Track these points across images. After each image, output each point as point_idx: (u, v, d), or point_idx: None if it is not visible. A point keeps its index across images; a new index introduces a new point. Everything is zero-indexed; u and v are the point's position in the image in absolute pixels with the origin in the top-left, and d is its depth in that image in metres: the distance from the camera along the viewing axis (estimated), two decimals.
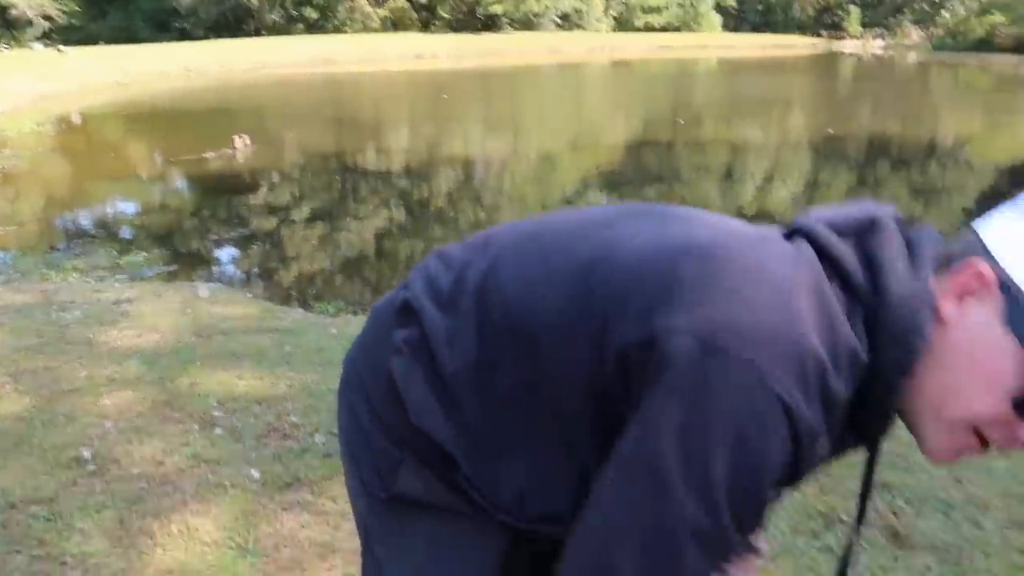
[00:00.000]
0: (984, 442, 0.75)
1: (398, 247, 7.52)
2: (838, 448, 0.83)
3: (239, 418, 3.02)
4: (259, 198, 9.26)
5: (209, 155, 10.93)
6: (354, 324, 4.36)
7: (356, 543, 2.27)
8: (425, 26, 53.52)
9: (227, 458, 2.73)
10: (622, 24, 63.96)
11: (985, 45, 46.33)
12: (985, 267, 0.73)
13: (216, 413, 3.06)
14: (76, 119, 16.70)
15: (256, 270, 6.50)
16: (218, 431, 2.92)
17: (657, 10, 64.49)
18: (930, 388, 0.75)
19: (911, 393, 0.76)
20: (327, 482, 2.59)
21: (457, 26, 53.80)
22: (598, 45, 48.75)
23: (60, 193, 9.77)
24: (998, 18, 45.83)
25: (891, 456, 2.76)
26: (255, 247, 7.10)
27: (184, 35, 43.48)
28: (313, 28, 48.23)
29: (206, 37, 42.38)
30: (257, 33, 46.68)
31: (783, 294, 0.71)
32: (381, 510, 1.01)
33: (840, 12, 66.68)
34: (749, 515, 0.73)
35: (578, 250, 0.85)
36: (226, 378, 3.41)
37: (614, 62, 37.96)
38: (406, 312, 0.96)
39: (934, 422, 0.76)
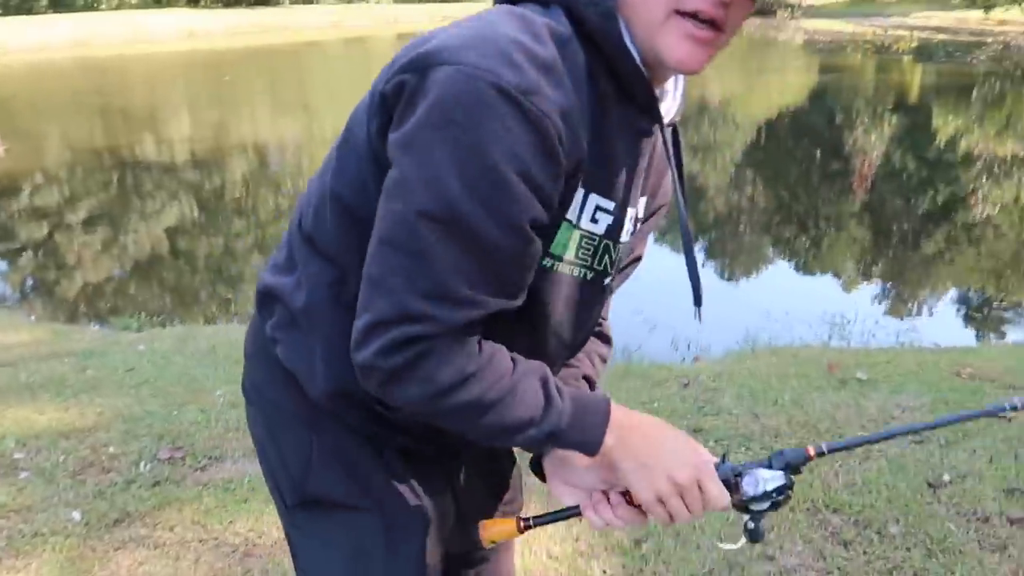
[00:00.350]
0: (703, 20, 0.81)
1: (196, 245, 7.08)
2: (636, 132, 0.91)
3: (46, 457, 2.77)
4: (25, 206, 8.30)
5: None
6: (164, 338, 4.09)
7: (204, 571, 2.20)
8: (193, 1, 49.81)
9: (39, 503, 2.50)
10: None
11: None
12: None
13: (17, 455, 2.78)
14: None
15: (37, 289, 5.86)
16: (24, 475, 2.66)
17: None
18: (635, 12, 0.83)
19: (633, 33, 0.84)
20: (160, 512, 2.45)
21: (229, 0, 50.60)
22: (382, 18, 47.96)
23: None
24: None
25: (699, 402, 3.09)
26: (31, 263, 6.39)
27: None
28: (59, 6, 43.31)
29: None
30: None
31: (478, 20, 0.82)
32: (301, 520, 1.04)
33: None
34: (498, 202, 0.77)
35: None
36: (23, 414, 3.09)
37: (399, 34, 37.53)
38: (263, 302, 1.02)
39: (656, 35, 0.83)
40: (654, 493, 0.92)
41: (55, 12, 41.49)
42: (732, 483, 0.95)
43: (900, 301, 5.66)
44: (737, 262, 6.67)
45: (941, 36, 32.07)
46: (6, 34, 29.63)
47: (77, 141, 11.90)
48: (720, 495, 0.93)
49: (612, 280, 1.01)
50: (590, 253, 0.92)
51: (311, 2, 53.47)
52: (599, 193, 0.89)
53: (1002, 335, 5.06)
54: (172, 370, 3.50)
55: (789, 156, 10.58)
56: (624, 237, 0.97)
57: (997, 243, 7.00)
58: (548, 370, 0.91)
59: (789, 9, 49.13)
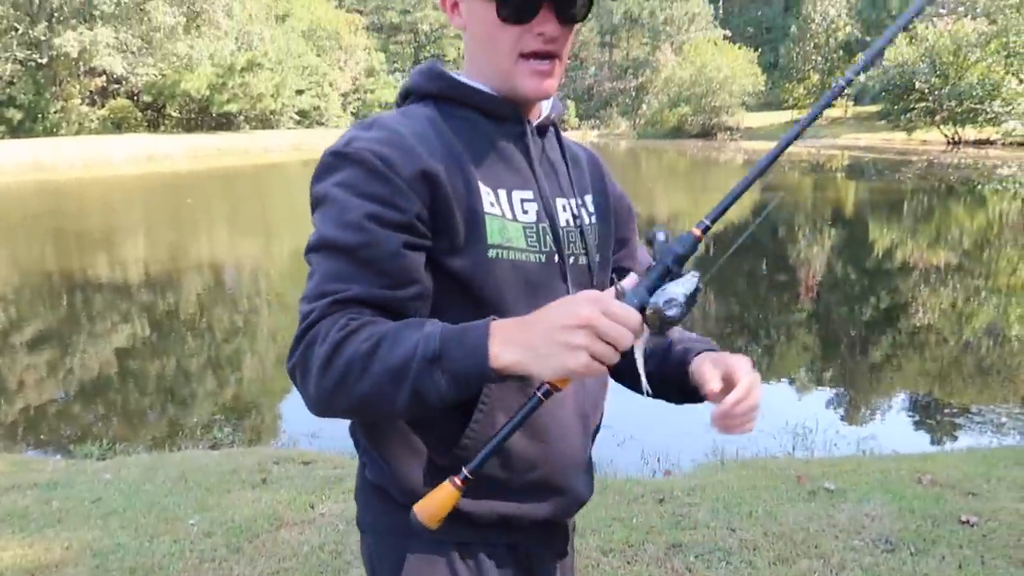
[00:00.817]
0: (542, 56, 1.06)
1: (147, 368, 6.94)
2: (515, 136, 1.12)
3: None
4: None
5: None
6: (131, 466, 4.00)
7: None
8: (153, 126, 50.72)
9: None
10: (362, 120, 65.41)
11: (678, 132, 53.95)
12: None
13: None
14: None
15: None
16: None
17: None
18: (489, 67, 1.09)
19: (492, 84, 1.10)
20: None
21: (189, 125, 51.66)
22: None
23: None
24: (685, 109, 53.71)
25: (676, 517, 3.13)
26: None
27: None
28: (18, 131, 43.62)
29: None
30: None
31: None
32: None
33: None
34: (337, 213, 1.00)
35: None
36: None
37: None
38: (355, 442, 1.19)
39: (511, 79, 1.08)
40: (571, 351, 0.86)
41: (13, 138, 41.73)
42: (650, 308, 0.90)
43: (857, 409, 5.84)
44: None
45: (870, 155, 34.22)
46: None
47: (28, 264, 11.80)
48: (630, 312, 0.89)
49: (574, 261, 1.14)
50: (535, 240, 1.09)
51: (271, 126, 54.92)
52: (515, 188, 1.09)
53: (955, 439, 5.23)
54: (142, 499, 3.43)
55: (737, 269, 11.00)
56: (565, 221, 1.13)
57: (939, 348, 7.31)
58: (437, 321, 0.96)
59: (729, 132, 52.25)
